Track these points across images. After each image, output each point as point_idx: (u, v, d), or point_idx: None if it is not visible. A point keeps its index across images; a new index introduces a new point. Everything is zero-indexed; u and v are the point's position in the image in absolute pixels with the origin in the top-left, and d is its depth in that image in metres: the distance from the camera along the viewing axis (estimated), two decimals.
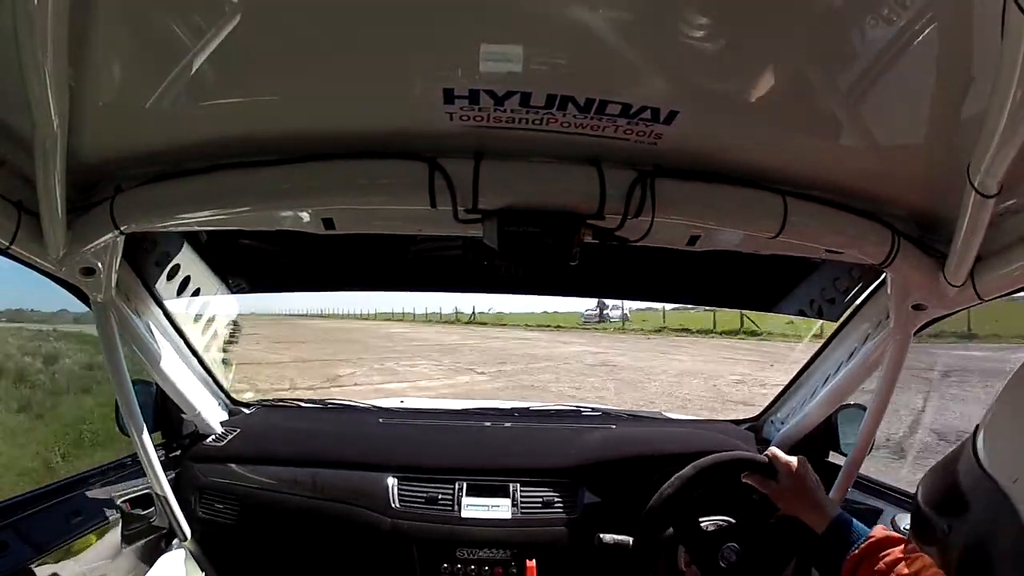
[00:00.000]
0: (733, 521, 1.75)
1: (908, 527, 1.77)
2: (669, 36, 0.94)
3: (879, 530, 1.34)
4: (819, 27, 0.91)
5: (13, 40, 0.84)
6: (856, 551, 1.31)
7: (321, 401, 2.61)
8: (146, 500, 1.78)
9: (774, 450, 1.58)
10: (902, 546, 1.29)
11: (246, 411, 2.34)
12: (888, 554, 1.27)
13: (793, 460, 1.53)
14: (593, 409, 2.58)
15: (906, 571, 1.23)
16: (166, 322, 1.93)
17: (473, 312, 46.72)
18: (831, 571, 1.41)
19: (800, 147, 1.21)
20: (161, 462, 1.82)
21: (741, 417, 2.52)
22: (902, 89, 1.01)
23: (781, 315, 2.13)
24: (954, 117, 1.05)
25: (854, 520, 1.39)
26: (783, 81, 1.02)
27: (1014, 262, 1.24)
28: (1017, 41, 0.79)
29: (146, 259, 1.76)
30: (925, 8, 0.87)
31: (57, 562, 1.58)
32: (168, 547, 1.85)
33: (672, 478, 1.60)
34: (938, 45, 0.94)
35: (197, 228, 1.51)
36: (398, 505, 1.97)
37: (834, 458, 2.13)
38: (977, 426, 0.72)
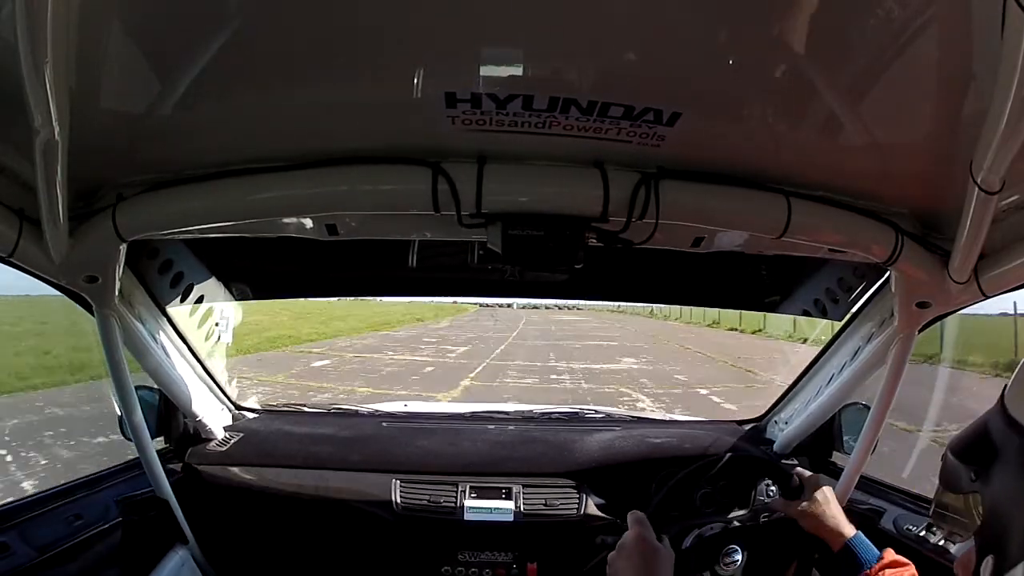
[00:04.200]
0: (736, 523, 1.75)
1: (910, 528, 1.78)
2: (670, 37, 0.94)
3: (888, 553, 1.38)
4: (820, 26, 0.91)
5: (14, 46, 0.84)
6: (866, 572, 1.36)
7: (324, 406, 2.62)
8: (149, 504, 1.78)
9: (800, 471, 1.61)
10: (908, 569, 1.32)
11: (249, 416, 2.34)
12: None
13: (818, 478, 1.57)
14: (596, 412, 2.59)
15: None
16: (169, 328, 1.93)
17: None
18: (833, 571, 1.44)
19: (803, 147, 1.21)
20: (164, 466, 1.82)
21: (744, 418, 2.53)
22: (904, 87, 1.01)
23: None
24: (956, 114, 1.05)
25: (868, 543, 1.43)
26: (785, 81, 1.02)
27: (1017, 258, 1.24)
28: (1017, 37, 0.79)
29: (149, 266, 1.76)
30: (925, 6, 0.87)
31: (59, 565, 1.57)
32: (171, 551, 1.84)
33: (674, 480, 1.60)
34: (939, 43, 0.94)
35: (200, 235, 1.51)
36: (401, 507, 1.97)
37: (838, 458, 2.14)
38: (1006, 385, 0.74)
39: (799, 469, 1.64)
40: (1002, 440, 0.71)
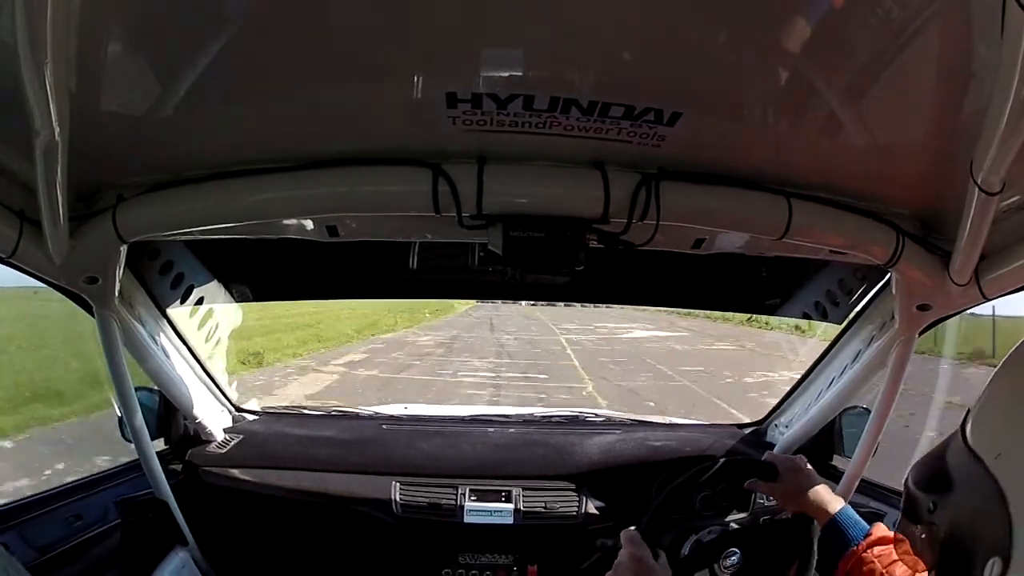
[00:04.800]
0: (734, 526, 1.74)
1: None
2: (671, 37, 0.94)
3: (878, 528, 1.34)
4: (821, 27, 0.91)
5: (13, 47, 0.84)
6: (853, 549, 1.32)
7: (324, 409, 2.62)
8: (148, 505, 1.78)
9: (772, 453, 1.58)
10: (900, 545, 1.29)
11: (249, 418, 2.34)
12: (884, 553, 1.28)
13: (794, 459, 1.52)
14: (596, 415, 2.59)
15: (899, 572, 1.24)
16: (169, 330, 1.93)
17: None
18: (828, 567, 1.41)
19: (803, 148, 1.21)
20: (164, 468, 1.82)
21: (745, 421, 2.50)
22: (904, 88, 1.01)
23: None
24: (956, 115, 1.05)
25: (855, 518, 1.38)
26: (785, 81, 1.02)
27: (1018, 260, 1.24)
28: (1017, 37, 0.79)
29: (149, 267, 1.76)
30: (925, 7, 0.87)
31: (59, 567, 1.57)
32: (171, 553, 1.84)
33: (669, 486, 1.60)
34: (939, 43, 0.94)
35: (201, 237, 1.51)
36: (401, 510, 1.97)
37: (838, 462, 2.13)
38: (968, 411, 0.74)
39: (771, 453, 1.60)
40: (959, 469, 0.72)
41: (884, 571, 1.26)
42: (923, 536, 0.76)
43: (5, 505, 1.65)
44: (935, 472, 0.75)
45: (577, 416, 2.58)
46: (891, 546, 1.29)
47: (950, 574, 0.71)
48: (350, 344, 16.51)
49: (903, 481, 0.81)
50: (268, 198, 1.28)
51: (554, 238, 1.27)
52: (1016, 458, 0.66)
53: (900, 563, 1.25)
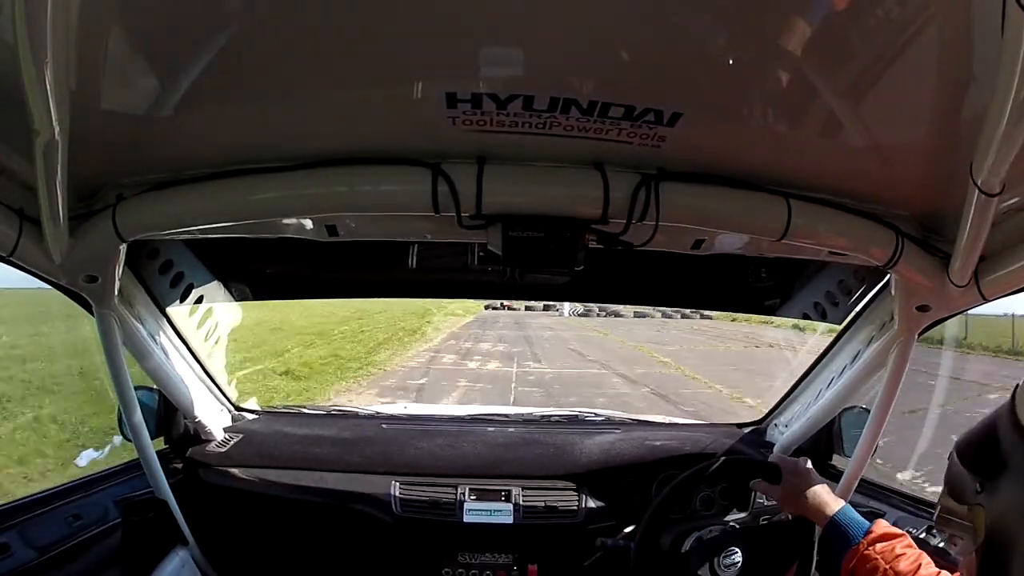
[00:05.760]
0: (735, 525, 1.74)
1: (911, 530, 1.77)
2: (671, 38, 0.94)
3: (879, 525, 1.33)
4: (821, 28, 0.91)
5: (14, 46, 0.84)
6: (855, 547, 1.31)
7: (324, 408, 2.62)
8: (148, 504, 1.78)
9: (778, 455, 1.58)
10: (902, 541, 1.28)
11: (249, 417, 2.34)
12: (887, 549, 1.28)
13: (796, 461, 1.52)
14: (596, 415, 2.59)
15: (904, 567, 1.23)
16: (169, 329, 1.93)
17: None
18: (832, 568, 1.40)
19: (803, 149, 1.21)
20: (163, 467, 1.82)
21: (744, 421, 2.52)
22: (904, 90, 1.01)
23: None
24: (956, 117, 1.05)
25: (855, 516, 1.37)
26: (785, 83, 1.02)
27: (1017, 261, 1.24)
28: (1017, 39, 0.79)
29: (148, 266, 1.76)
30: (925, 8, 0.87)
31: (59, 566, 1.57)
32: (170, 552, 1.84)
33: (672, 483, 1.60)
34: (939, 45, 0.94)
35: (200, 236, 1.51)
36: (400, 509, 1.97)
37: (838, 461, 2.13)
38: (1016, 387, 0.71)
39: (776, 455, 1.60)
40: (1011, 449, 0.68)
41: (888, 567, 1.25)
42: (969, 517, 0.72)
43: (5, 505, 1.65)
44: (984, 450, 0.71)
45: (577, 416, 2.58)
46: (894, 541, 1.28)
47: (995, 562, 0.68)
48: None
49: (948, 456, 0.77)
50: (268, 198, 1.28)
51: (553, 238, 1.27)
52: None
53: (904, 557, 1.25)
